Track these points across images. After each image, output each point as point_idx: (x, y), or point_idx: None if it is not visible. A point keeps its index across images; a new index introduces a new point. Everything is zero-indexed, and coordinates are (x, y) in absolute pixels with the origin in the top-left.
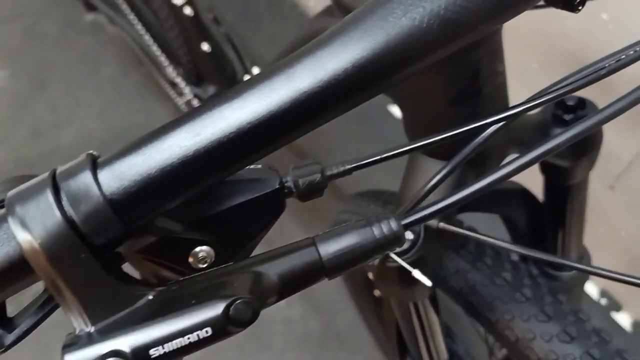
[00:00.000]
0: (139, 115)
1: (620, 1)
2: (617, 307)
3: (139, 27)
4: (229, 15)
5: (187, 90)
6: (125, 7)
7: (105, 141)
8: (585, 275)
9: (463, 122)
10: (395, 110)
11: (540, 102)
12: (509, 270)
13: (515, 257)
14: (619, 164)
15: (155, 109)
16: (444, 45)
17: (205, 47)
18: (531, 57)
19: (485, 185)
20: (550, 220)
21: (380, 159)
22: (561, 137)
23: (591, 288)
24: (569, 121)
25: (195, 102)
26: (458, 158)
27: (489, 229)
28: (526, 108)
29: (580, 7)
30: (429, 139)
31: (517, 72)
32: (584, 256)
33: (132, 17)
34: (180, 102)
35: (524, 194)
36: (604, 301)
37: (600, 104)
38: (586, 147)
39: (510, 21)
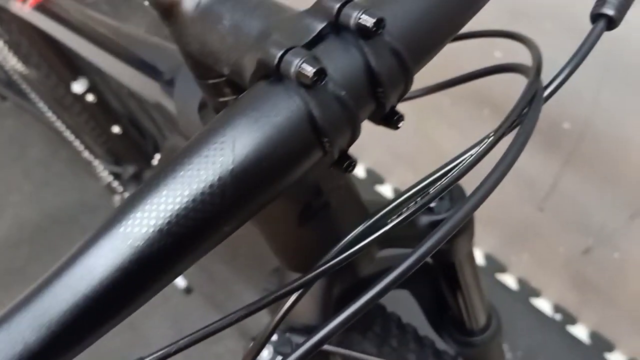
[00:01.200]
0: (72, 194)
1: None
2: (573, 321)
3: (49, 114)
4: None
5: (104, 173)
6: (33, 95)
7: (40, 226)
8: (499, 333)
9: (319, 234)
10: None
11: (398, 222)
12: (414, 351)
13: (422, 332)
14: (543, 188)
15: (88, 185)
16: (186, 257)
17: (116, 129)
18: (443, 95)
19: (344, 321)
20: (449, 291)
21: (192, 341)
22: (436, 237)
23: (544, 304)
24: (435, 208)
25: (116, 184)
26: (310, 275)
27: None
28: (384, 231)
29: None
30: (246, 309)
31: (433, 109)
32: (492, 316)
33: (41, 105)
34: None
35: (425, 266)
36: (558, 316)
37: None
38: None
39: None
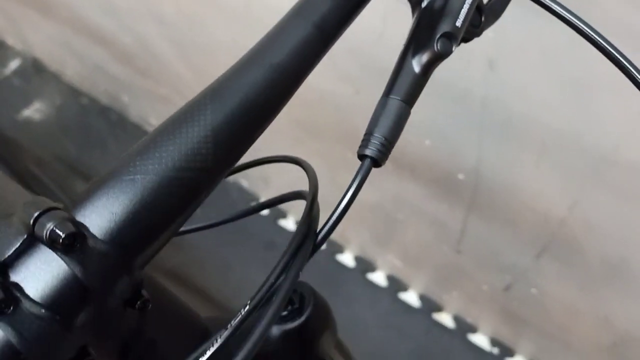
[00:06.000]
0: None
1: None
2: (511, 353)
3: None
4: (70, 149)
5: None
6: None
7: None
8: None
9: None
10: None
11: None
12: None
13: None
14: (455, 232)
15: None
16: None
17: None
18: (345, 150)
19: None
20: None
21: None
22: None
23: (481, 339)
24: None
25: None
26: None
27: None
28: None
29: None
30: None
31: (340, 160)
32: None
33: None
34: None
35: None
36: (495, 350)
37: None
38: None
39: None
